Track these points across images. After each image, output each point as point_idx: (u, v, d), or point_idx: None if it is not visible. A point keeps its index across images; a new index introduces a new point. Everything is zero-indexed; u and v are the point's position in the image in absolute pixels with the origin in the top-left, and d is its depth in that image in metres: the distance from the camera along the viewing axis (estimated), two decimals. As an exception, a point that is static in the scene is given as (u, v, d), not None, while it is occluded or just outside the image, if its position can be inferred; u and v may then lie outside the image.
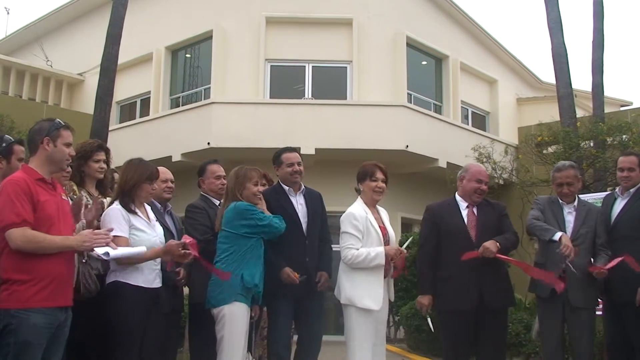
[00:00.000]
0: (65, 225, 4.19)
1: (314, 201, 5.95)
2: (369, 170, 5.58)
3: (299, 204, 5.88)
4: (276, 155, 5.96)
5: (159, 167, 5.87)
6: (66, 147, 4.21)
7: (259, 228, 5.17)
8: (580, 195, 6.43)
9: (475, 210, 5.71)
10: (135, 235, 4.72)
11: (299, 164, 5.89)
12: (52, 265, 3.98)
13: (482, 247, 5.34)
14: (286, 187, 5.91)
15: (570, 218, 5.83)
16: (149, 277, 4.80)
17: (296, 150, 6.07)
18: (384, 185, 5.58)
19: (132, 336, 4.61)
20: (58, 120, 4.28)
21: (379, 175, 5.56)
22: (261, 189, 5.40)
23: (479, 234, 5.57)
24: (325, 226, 6.00)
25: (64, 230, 4.11)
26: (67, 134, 4.24)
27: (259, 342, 6.29)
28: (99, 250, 4.27)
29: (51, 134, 4.16)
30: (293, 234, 5.64)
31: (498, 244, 5.38)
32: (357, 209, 5.47)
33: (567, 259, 5.42)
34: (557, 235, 5.55)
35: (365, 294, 5.29)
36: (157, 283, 4.88)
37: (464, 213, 5.71)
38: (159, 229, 5.02)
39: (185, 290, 6.07)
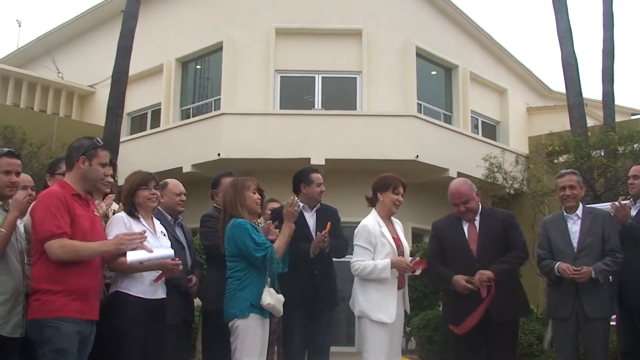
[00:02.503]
0: (97, 240, 4.25)
1: (326, 216, 6.05)
2: (393, 182, 5.62)
3: (311, 219, 6.05)
4: (304, 174, 6.17)
5: (171, 180, 5.92)
6: (101, 167, 4.29)
7: (254, 259, 5.00)
8: (592, 205, 6.41)
9: (477, 223, 5.70)
10: None
11: (323, 183, 6.14)
12: (83, 279, 4.05)
13: (478, 274, 5.36)
14: (301, 204, 5.97)
15: (575, 228, 5.82)
16: (150, 288, 4.79)
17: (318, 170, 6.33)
18: (402, 200, 5.65)
19: (131, 347, 4.58)
20: (97, 139, 4.36)
21: (401, 189, 5.64)
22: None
23: (479, 247, 5.56)
24: (338, 234, 6.02)
25: None
26: (104, 154, 4.33)
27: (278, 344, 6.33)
28: (131, 256, 4.32)
29: (88, 152, 4.24)
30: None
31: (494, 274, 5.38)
32: (371, 221, 5.53)
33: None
34: (557, 272, 5.65)
35: (378, 306, 5.32)
36: (159, 294, 4.87)
37: (465, 227, 5.71)
38: (166, 242, 5.02)
39: (197, 301, 6.08)
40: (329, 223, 5.73)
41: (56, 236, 3.92)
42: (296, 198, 5.39)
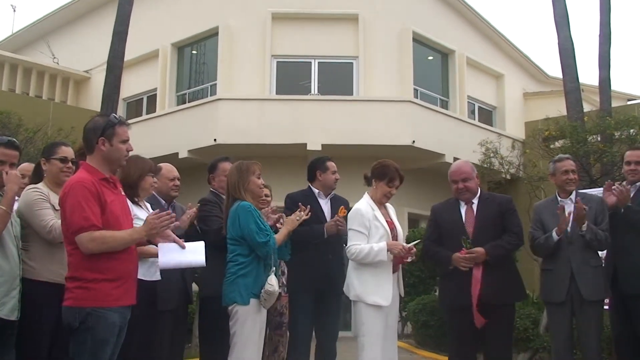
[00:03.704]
0: (129, 223, 4.21)
1: (338, 205, 6.23)
2: (391, 174, 5.60)
3: (326, 206, 6.25)
4: (320, 161, 6.39)
5: (165, 164, 5.94)
6: (123, 144, 4.14)
7: (254, 244, 4.98)
8: (587, 190, 6.41)
9: (475, 206, 5.73)
10: (137, 225, 4.72)
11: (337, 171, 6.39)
12: (123, 264, 4.00)
13: (475, 251, 5.41)
14: (316, 191, 6.32)
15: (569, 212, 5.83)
16: (150, 270, 4.82)
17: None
18: (395, 192, 5.67)
19: (132, 328, 4.50)
20: (113, 115, 4.21)
21: (397, 182, 5.63)
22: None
23: (476, 230, 5.60)
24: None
25: (128, 228, 4.12)
26: (123, 130, 4.15)
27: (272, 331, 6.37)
28: (163, 260, 4.27)
29: (106, 133, 4.08)
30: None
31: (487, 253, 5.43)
32: (364, 205, 5.54)
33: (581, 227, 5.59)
34: (555, 236, 5.68)
35: (374, 290, 5.34)
36: (157, 276, 4.91)
37: (463, 210, 5.76)
38: None
39: (194, 286, 6.09)
40: (342, 207, 5.91)
41: (85, 229, 3.81)
42: (304, 213, 5.42)
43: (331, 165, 6.36)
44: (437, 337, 10.01)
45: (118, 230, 3.97)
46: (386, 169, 5.62)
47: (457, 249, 5.50)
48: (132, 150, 4.27)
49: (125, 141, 4.16)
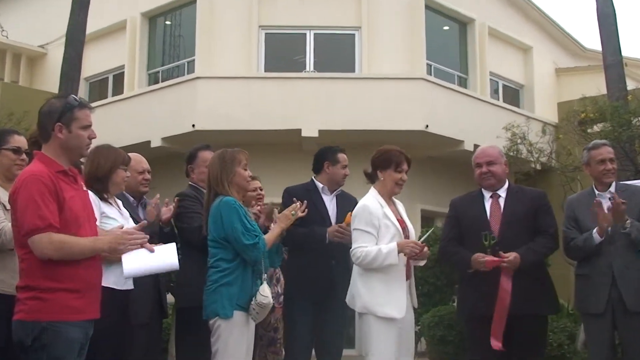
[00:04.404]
0: (91, 224, 4.18)
1: (345, 203, 6.22)
2: (396, 158, 5.52)
3: (331, 203, 6.29)
4: (331, 152, 6.41)
5: (133, 154, 5.93)
6: (84, 131, 4.08)
7: (240, 247, 4.99)
8: (631, 182, 6.39)
9: (502, 200, 5.72)
10: (106, 224, 4.74)
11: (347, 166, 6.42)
12: (85, 272, 3.96)
13: (509, 259, 5.38)
14: (320, 185, 6.34)
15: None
16: (121, 277, 4.81)
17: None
18: (406, 178, 5.59)
19: (102, 343, 4.47)
20: (72, 97, 4.15)
21: (405, 166, 5.55)
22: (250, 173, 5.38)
23: (502, 227, 5.59)
24: None
25: (89, 230, 4.09)
26: (84, 115, 4.10)
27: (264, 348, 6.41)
28: (128, 267, 4.24)
29: (64, 117, 4.03)
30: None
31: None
32: (371, 201, 5.46)
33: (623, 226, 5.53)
34: (597, 238, 5.61)
35: (385, 300, 5.25)
36: (129, 284, 4.91)
37: (488, 204, 5.75)
38: (131, 222, 5.08)
39: (170, 298, 6.10)
40: (349, 214, 5.70)
41: (40, 230, 3.76)
42: (298, 207, 5.39)
43: (342, 158, 6.37)
44: (456, 355, 10.00)
45: (79, 235, 3.94)
46: (389, 154, 5.56)
47: (479, 248, 5.48)
48: (95, 137, 4.22)
49: (87, 127, 4.11)
